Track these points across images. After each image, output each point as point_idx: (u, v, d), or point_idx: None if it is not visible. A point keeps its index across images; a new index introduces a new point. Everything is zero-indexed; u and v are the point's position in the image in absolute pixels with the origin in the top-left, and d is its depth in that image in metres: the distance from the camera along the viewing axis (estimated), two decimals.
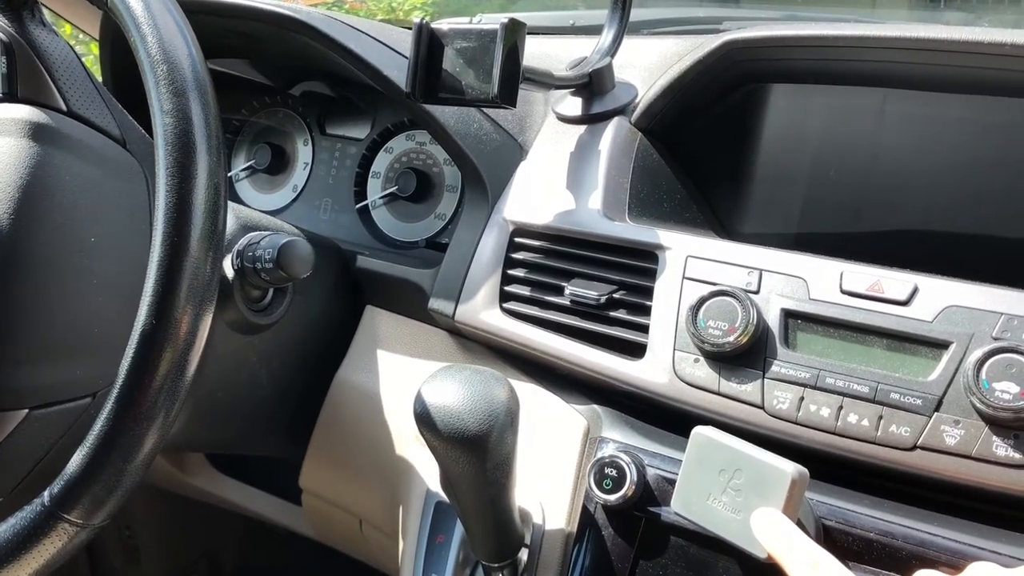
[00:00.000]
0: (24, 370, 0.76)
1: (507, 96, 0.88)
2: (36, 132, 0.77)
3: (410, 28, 0.90)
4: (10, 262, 0.75)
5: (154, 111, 0.65)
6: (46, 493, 0.64)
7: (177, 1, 0.71)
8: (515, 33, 0.88)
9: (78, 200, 0.79)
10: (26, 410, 0.77)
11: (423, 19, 0.90)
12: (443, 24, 0.89)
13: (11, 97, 0.79)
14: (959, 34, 0.86)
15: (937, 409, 0.75)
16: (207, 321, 0.65)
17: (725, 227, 1.10)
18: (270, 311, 0.97)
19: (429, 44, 0.89)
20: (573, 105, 1.08)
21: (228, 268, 0.90)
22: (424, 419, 0.74)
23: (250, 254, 0.88)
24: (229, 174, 1.39)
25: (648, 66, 1.10)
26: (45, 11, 0.84)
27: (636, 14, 1.48)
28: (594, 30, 1.29)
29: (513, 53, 0.88)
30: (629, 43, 1.13)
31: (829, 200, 1.07)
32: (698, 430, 0.72)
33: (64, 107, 0.81)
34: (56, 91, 0.81)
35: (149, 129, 0.82)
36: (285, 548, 1.69)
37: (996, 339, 0.74)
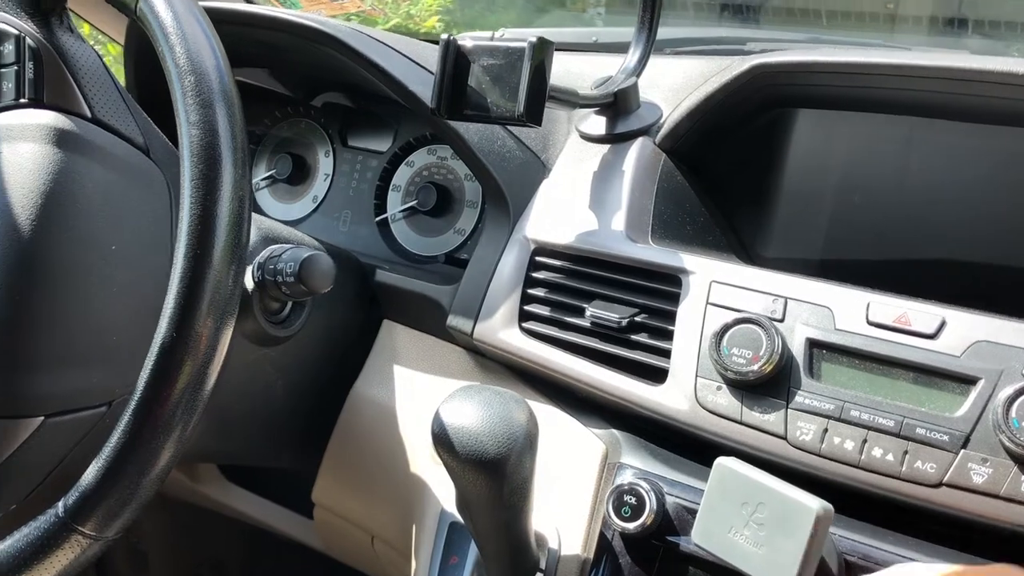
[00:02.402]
0: (40, 377, 0.76)
1: (533, 115, 0.88)
2: (61, 138, 0.77)
3: (435, 42, 0.89)
4: (31, 268, 0.74)
5: (180, 122, 0.65)
6: (60, 504, 0.64)
7: (205, 10, 0.71)
8: (543, 52, 0.88)
9: (100, 207, 0.79)
10: (41, 418, 0.77)
11: (450, 36, 0.89)
12: (469, 41, 0.88)
13: (37, 102, 0.79)
14: (993, 64, 0.85)
15: (964, 446, 0.74)
16: (228, 335, 0.65)
17: (748, 251, 1.09)
18: (288, 323, 0.97)
19: (456, 60, 0.89)
20: (597, 124, 1.08)
21: (248, 280, 0.89)
22: (442, 440, 0.73)
23: (271, 267, 0.88)
24: None
25: (672, 86, 1.09)
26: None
27: (660, 33, 1.48)
28: (616, 47, 1.29)
29: (540, 71, 0.88)
30: (652, 62, 1.12)
31: (854, 227, 1.06)
32: (721, 461, 0.71)
33: (89, 114, 0.81)
34: (82, 97, 0.80)
35: (172, 137, 0.82)
36: (291, 558, 1.68)
37: None
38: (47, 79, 0.79)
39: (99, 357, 0.80)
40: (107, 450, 0.63)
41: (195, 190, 0.64)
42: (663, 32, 1.57)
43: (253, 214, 0.96)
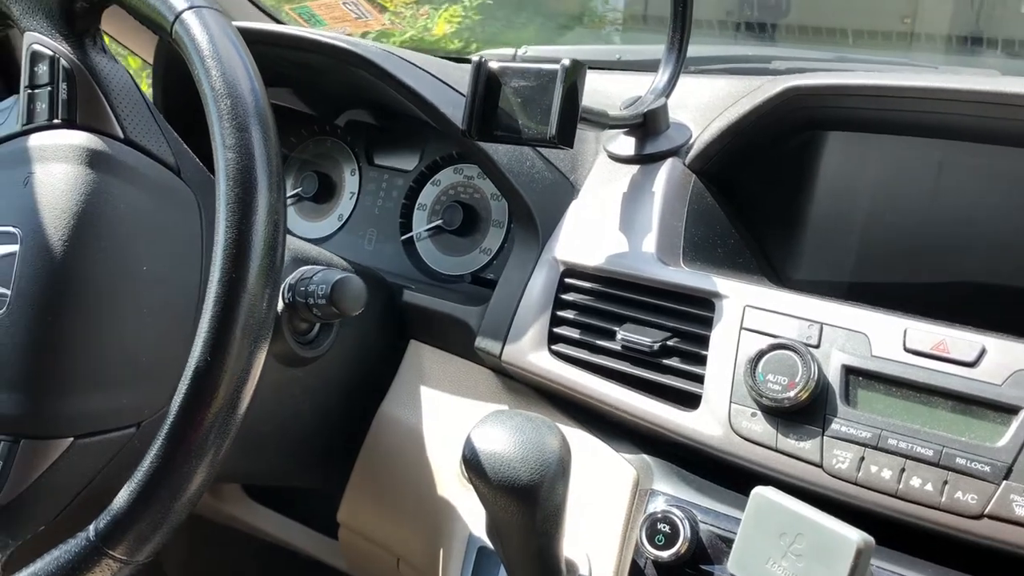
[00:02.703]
0: (71, 399, 0.76)
1: (565, 137, 0.87)
2: (93, 159, 0.77)
3: (464, 62, 0.89)
4: (63, 289, 0.75)
5: (216, 145, 0.65)
6: (92, 527, 0.63)
7: (239, 30, 0.71)
8: (575, 73, 0.87)
9: (132, 228, 0.79)
10: (71, 439, 0.77)
11: (482, 58, 0.89)
12: (498, 63, 0.88)
13: (70, 123, 0.79)
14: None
15: (1007, 477, 0.72)
16: (261, 358, 0.65)
17: (778, 274, 1.08)
18: (316, 344, 0.97)
19: (487, 82, 0.89)
20: (626, 145, 1.07)
21: (279, 301, 0.89)
22: (474, 465, 0.73)
23: (302, 288, 0.88)
24: None
25: (700, 106, 1.09)
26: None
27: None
28: (639, 65, 1.28)
29: (572, 94, 0.87)
30: (682, 82, 1.12)
31: (885, 250, 1.05)
32: (759, 491, 0.70)
33: (122, 134, 0.81)
34: (114, 118, 0.81)
35: (202, 157, 0.82)
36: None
37: None
38: (80, 100, 0.79)
39: (129, 378, 0.80)
40: (139, 474, 0.63)
41: (231, 213, 0.64)
42: (689, 50, 1.57)
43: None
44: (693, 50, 1.62)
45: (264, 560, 1.74)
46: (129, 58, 1.57)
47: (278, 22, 1.43)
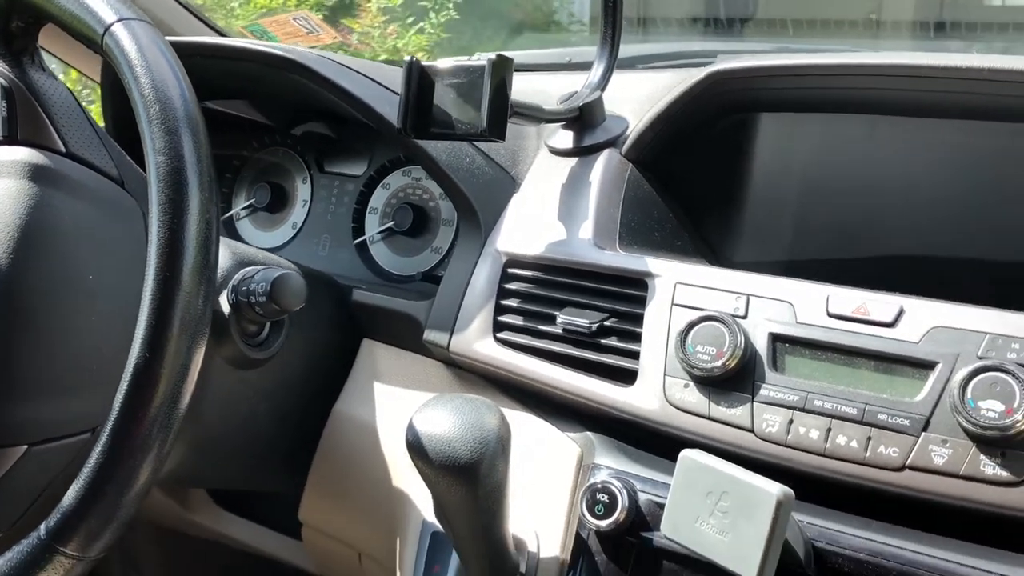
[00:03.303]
0: (23, 406, 0.77)
1: (496, 130, 0.90)
2: (35, 173, 0.79)
3: (402, 66, 0.92)
4: (9, 301, 0.76)
5: (147, 149, 0.67)
6: (42, 527, 0.65)
7: (171, 44, 0.73)
8: (503, 68, 0.90)
9: (77, 239, 0.80)
10: (25, 446, 0.78)
11: (413, 57, 0.92)
12: (431, 62, 0.91)
13: (11, 139, 0.80)
14: (937, 60, 0.88)
15: (925, 429, 0.75)
16: (200, 354, 0.66)
17: (717, 255, 1.11)
18: (267, 346, 0.99)
19: (420, 81, 0.92)
20: (565, 138, 1.10)
21: (224, 303, 0.91)
22: (416, 448, 0.75)
23: (244, 288, 0.90)
24: (230, 213, 1.41)
25: (640, 99, 1.11)
26: (52, 58, 0.87)
27: (631, 49, 1.51)
28: (589, 66, 1.31)
29: (501, 88, 0.90)
30: (624, 78, 1.15)
31: (819, 227, 1.08)
32: (685, 453, 0.73)
33: (63, 149, 0.82)
34: (55, 133, 0.82)
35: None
36: None
37: (981, 358, 0.75)
38: (20, 116, 0.81)
39: (81, 385, 0.81)
40: (86, 471, 0.64)
41: (163, 214, 0.65)
42: (635, 49, 1.60)
43: (228, 240, 0.98)
44: (640, 48, 1.67)
45: (239, 569, 1.74)
46: (72, 72, 1.58)
47: (222, 35, 1.45)
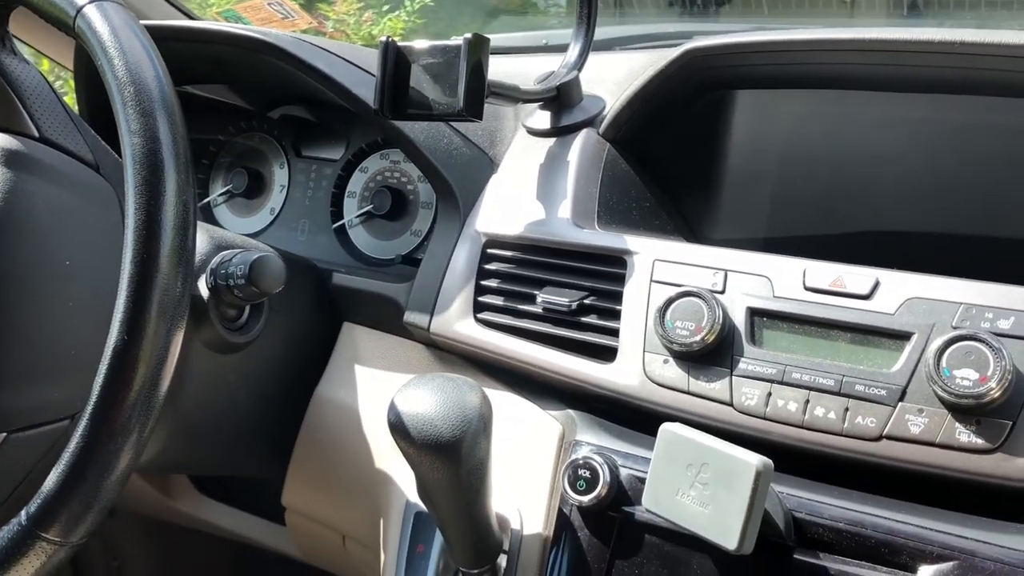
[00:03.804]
0: (2, 394, 0.77)
1: (473, 109, 0.90)
2: (9, 159, 0.78)
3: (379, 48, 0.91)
4: None
5: (122, 132, 0.66)
6: (23, 512, 0.64)
7: (147, 28, 0.72)
8: (479, 48, 0.90)
9: (52, 225, 0.80)
10: (4, 434, 0.77)
11: (389, 37, 0.91)
12: (407, 42, 0.91)
13: None
14: (910, 34, 0.89)
15: (901, 399, 0.76)
16: (179, 337, 0.66)
17: (695, 233, 1.12)
18: (246, 330, 0.98)
19: (396, 62, 0.91)
20: (542, 119, 1.10)
21: (203, 287, 0.91)
22: (398, 427, 0.75)
23: (223, 271, 0.89)
24: (207, 200, 1.41)
25: (617, 79, 1.12)
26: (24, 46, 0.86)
27: (609, 31, 1.51)
28: (566, 48, 1.31)
29: (478, 68, 0.90)
30: (601, 59, 1.15)
31: (796, 203, 1.09)
32: (665, 427, 0.73)
33: (36, 134, 0.82)
34: (28, 118, 0.82)
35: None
36: (276, 572, 1.69)
37: (956, 328, 0.76)
38: None
39: (60, 371, 0.80)
40: (66, 456, 0.64)
41: (139, 196, 0.65)
42: (614, 30, 1.60)
43: (206, 224, 0.98)
44: (618, 29, 1.67)
45: (231, 561, 1.74)
46: (44, 62, 1.57)
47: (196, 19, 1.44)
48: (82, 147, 0.85)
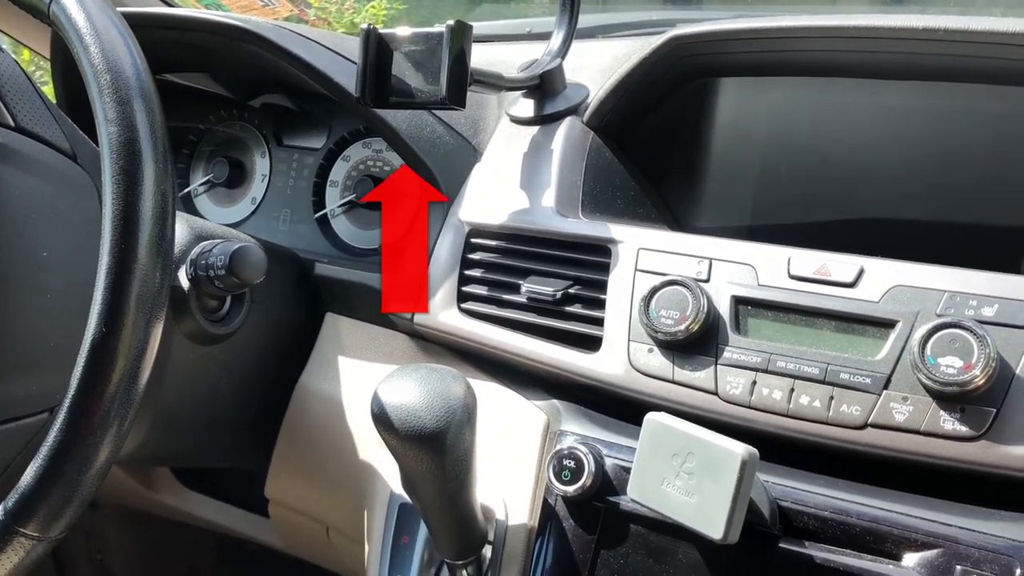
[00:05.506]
0: None
1: (456, 97, 0.89)
2: None
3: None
4: None
5: (99, 120, 0.65)
6: (0, 507, 0.64)
7: (124, 15, 0.71)
8: (462, 35, 0.89)
9: (29, 215, 0.78)
10: None
11: (370, 24, 0.90)
12: (391, 30, 0.90)
13: None
14: (894, 21, 0.88)
15: (886, 387, 0.76)
16: (158, 329, 0.65)
17: (680, 222, 1.11)
18: (228, 321, 0.97)
19: (378, 49, 0.90)
20: (525, 107, 1.09)
21: (183, 278, 0.90)
22: (381, 419, 0.74)
23: (203, 262, 0.88)
24: (187, 190, 1.39)
25: (601, 67, 1.11)
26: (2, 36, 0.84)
27: (592, 19, 1.50)
28: (549, 36, 1.31)
29: (461, 55, 0.89)
30: (585, 47, 1.15)
31: (780, 191, 1.09)
32: (651, 416, 0.73)
33: (12, 123, 0.80)
34: (3, 107, 0.80)
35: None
36: (261, 564, 1.68)
37: (940, 316, 0.76)
38: None
39: (38, 363, 0.79)
40: (45, 450, 0.63)
41: (116, 186, 0.64)
42: (597, 18, 1.60)
43: (186, 214, 0.97)
44: (602, 17, 1.66)
45: (216, 553, 1.74)
46: (24, 52, 1.55)
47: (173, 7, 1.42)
48: (59, 136, 0.84)
